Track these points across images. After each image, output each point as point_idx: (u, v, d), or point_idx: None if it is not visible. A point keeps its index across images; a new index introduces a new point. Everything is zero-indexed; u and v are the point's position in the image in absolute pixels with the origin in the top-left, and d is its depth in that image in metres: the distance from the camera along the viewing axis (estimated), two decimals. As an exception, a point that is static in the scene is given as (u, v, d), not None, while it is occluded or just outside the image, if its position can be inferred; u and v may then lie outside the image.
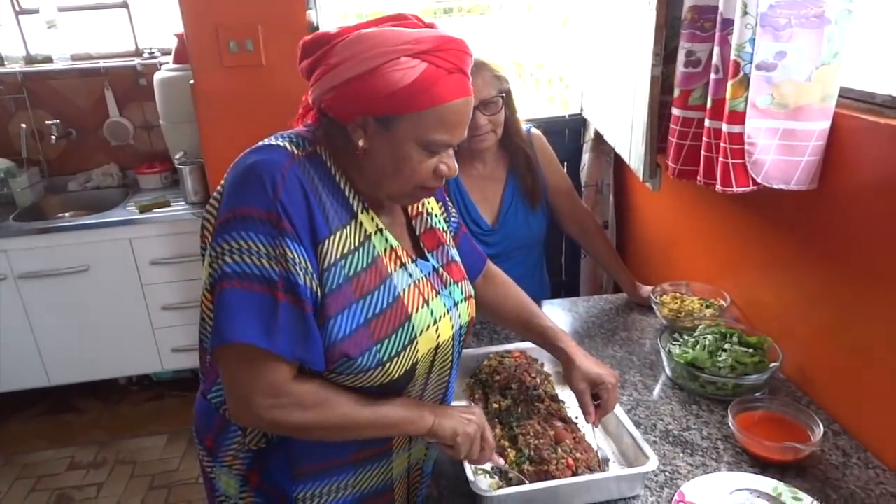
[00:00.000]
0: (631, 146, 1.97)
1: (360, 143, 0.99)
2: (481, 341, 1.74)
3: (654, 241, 2.44)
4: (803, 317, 1.50)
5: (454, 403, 1.39)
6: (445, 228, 1.26)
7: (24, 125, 3.22)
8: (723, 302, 1.77)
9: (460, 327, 1.18)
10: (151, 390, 3.45)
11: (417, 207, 1.21)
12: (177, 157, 3.05)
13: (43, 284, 2.90)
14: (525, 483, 1.16)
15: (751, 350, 1.51)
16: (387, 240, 1.07)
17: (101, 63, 3.23)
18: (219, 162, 2.65)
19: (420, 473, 1.30)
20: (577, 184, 2.66)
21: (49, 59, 3.26)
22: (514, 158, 1.91)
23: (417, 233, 1.19)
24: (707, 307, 1.77)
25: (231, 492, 1.17)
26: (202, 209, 2.86)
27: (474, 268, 1.37)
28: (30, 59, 3.29)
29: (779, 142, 1.33)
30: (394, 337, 1.03)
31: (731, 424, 1.31)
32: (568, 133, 2.87)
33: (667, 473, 1.26)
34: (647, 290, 1.93)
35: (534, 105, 3.30)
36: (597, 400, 1.27)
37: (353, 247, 1.02)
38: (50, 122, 3.24)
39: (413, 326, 1.06)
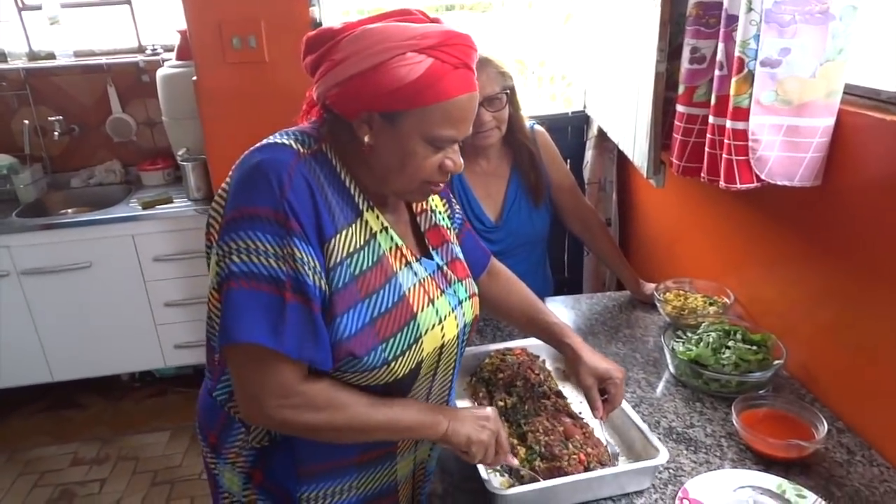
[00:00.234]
0: (635, 143, 1.96)
1: (366, 139, 0.98)
2: (484, 338, 1.74)
3: (657, 238, 2.44)
4: (807, 314, 1.50)
5: (458, 402, 1.39)
6: (449, 226, 1.26)
7: (26, 121, 3.22)
8: (726, 299, 1.76)
9: (465, 325, 1.18)
10: (154, 386, 3.45)
11: (422, 205, 1.20)
12: (179, 153, 3.05)
13: (46, 281, 2.90)
14: (539, 480, 1.16)
15: (754, 347, 1.51)
16: (392, 238, 1.07)
17: (104, 59, 3.22)
18: (221, 158, 2.65)
19: (424, 472, 1.30)
20: (580, 181, 2.66)
21: (52, 56, 3.26)
22: (518, 155, 1.91)
23: (422, 230, 1.18)
24: (710, 304, 1.77)
25: (234, 489, 1.17)
26: (205, 206, 2.89)
27: (478, 264, 1.37)
28: (32, 56, 3.29)
29: (783, 138, 1.32)
30: (399, 336, 1.03)
31: (734, 422, 1.31)
32: (571, 130, 2.87)
33: (671, 470, 1.26)
34: (650, 287, 1.92)
35: (536, 102, 3.30)
36: (604, 395, 1.27)
37: (358, 245, 1.02)
38: (53, 118, 3.24)
39: (418, 325, 1.06)
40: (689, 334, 1.61)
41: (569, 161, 2.67)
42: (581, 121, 2.85)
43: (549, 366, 1.52)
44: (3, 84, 3.25)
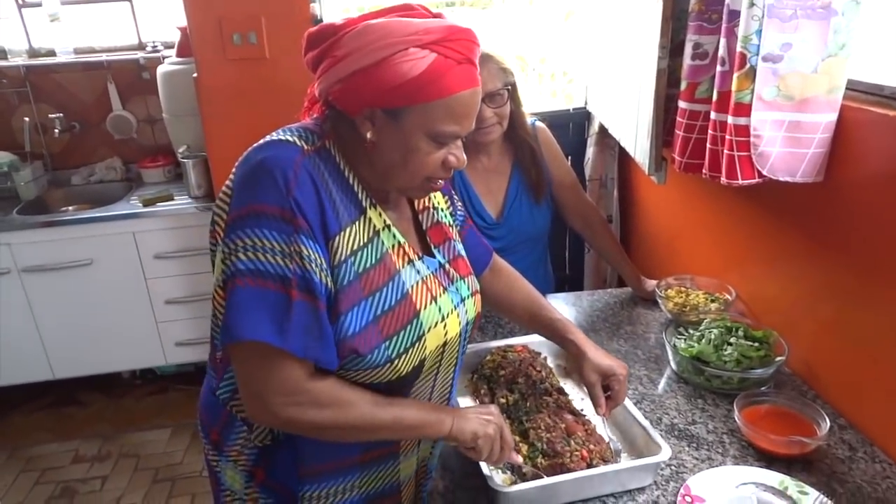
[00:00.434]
0: (636, 139, 1.96)
1: (369, 135, 0.98)
2: (486, 335, 1.74)
3: (658, 234, 2.44)
4: (809, 310, 1.50)
5: (460, 400, 1.39)
6: (451, 223, 1.25)
7: (27, 119, 3.22)
8: (728, 296, 1.76)
9: (467, 323, 1.18)
10: (155, 384, 3.45)
11: (424, 202, 1.20)
12: (180, 150, 3.05)
13: (47, 278, 2.90)
14: (541, 477, 1.16)
15: (756, 344, 1.51)
16: (394, 236, 1.07)
17: (104, 56, 3.22)
18: (222, 156, 2.65)
19: (426, 470, 1.30)
20: (581, 177, 2.66)
21: (52, 53, 3.26)
22: (519, 152, 1.91)
23: (424, 227, 1.18)
24: (712, 301, 1.77)
25: (236, 487, 1.17)
26: (206, 203, 2.89)
27: (481, 261, 1.37)
28: (33, 53, 3.28)
29: (785, 134, 1.32)
30: (402, 334, 1.03)
31: (736, 418, 1.31)
32: (572, 127, 2.86)
33: (672, 467, 1.26)
34: (651, 284, 1.92)
35: (537, 99, 3.29)
36: (607, 392, 1.27)
37: (362, 243, 1.02)
38: (53, 115, 3.24)
39: (421, 323, 1.05)
40: (691, 331, 1.61)
41: (570, 158, 2.67)
42: (582, 117, 2.84)
43: (549, 363, 1.52)
44: (3, 81, 3.24)
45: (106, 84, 3.29)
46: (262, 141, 1.01)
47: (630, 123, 2.01)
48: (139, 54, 3.24)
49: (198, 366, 3.35)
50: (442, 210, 1.24)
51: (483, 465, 1.16)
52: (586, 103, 2.81)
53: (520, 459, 1.18)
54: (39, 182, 3.25)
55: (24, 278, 2.88)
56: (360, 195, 1.04)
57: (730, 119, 1.37)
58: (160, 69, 3.05)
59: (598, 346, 1.30)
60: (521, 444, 1.24)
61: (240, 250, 0.93)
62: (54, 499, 2.68)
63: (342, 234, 0.99)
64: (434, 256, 1.16)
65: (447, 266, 1.17)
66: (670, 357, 1.58)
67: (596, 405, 1.26)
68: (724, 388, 1.47)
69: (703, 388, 1.50)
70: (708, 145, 1.49)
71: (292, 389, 0.95)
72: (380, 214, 1.06)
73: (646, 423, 1.27)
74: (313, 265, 0.94)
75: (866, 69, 1.33)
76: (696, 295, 1.80)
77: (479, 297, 1.23)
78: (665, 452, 1.18)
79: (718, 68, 1.42)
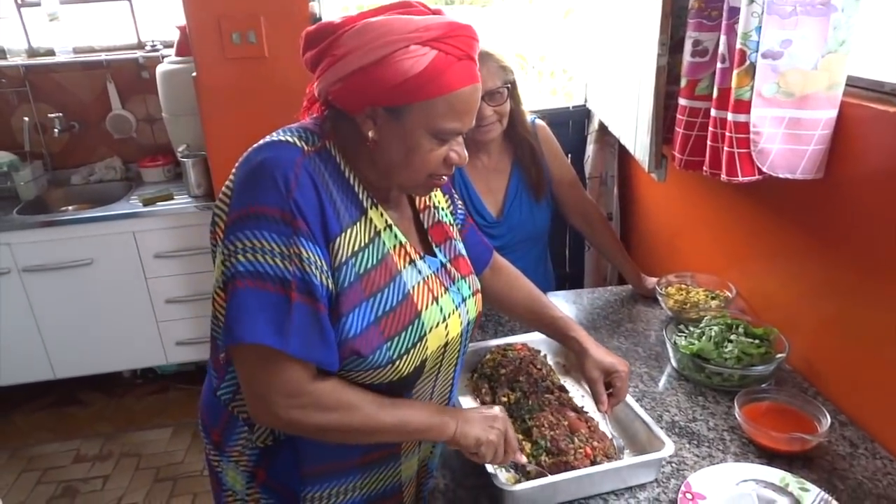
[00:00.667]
0: (636, 137, 1.96)
1: (370, 134, 0.97)
2: (486, 333, 1.74)
3: (658, 232, 2.44)
4: (810, 307, 1.50)
5: (461, 399, 1.39)
6: (452, 222, 1.25)
7: (26, 118, 3.22)
8: (728, 293, 1.76)
9: (468, 323, 1.18)
10: (156, 383, 3.45)
11: (425, 201, 1.20)
12: (180, 150, 3.05)
13: (47, 278, 2.90)
14: (546, 475, 1.16)
15: (757, 341, 1.51)
16: (396, 236, 1.07)
17: (104, 56, 3.22)
18: (222, 155, 2.65)
19: (427, 470, 1.30)
20: (581, 175, 2.66)
21: (51, 52, 3.25)
22: (519, 150, 1.91)
23: (425, 226, 1.18)
24: (712, 298, 1.77)
25: (238, 487, 1.16)
26: (205, 202, 2.89)
27: (481, 259, 1.37)
28: (32, 52, 3.28)
29: (784, 131, 1.32)
30: (404, 334, 1.03)
31: (737, 415, 1.31)
32: (572, 124, 2.86)
33: (673, 464, 1.26)
34: (651, 281, 1.92)
35: (536, 97, 3.29)
36: (608, 389, 1.27)
37: (363, 244, 1.01)
38: (52, 115, 3.24)
39: (423, 324, 1.05)
40: (692, 328, 1.61)
41: (570, 155, 2.66)
42: (582, 115, 2.84)
43: (549, 360, 1.52)
44: (2, 81, 3.24)
45: (105, 83, 3.29)
46: (262, 141, 1.01)
47: (630, 121, 2.01)
48: (138, 53, 3.24)
49: (198, 365, 3.35)
50: (443, 209, 1.24)
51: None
52: (586, 101, 2.80)
53: (524, 459, 1.18)
54: (39, 182, 3.25)
55: (25, 278, 2.88)
56: (360, 195, 1.03)
57: (730, 116, 1.37)
58: (159, 68, 3.05)
59: (600, 344, 1.30)
60: (524, 443, 1.24)
61: (239, 252, 0.93)
62: (56, 498, 2.68)
63: (343, 235, 0.99)
64: (435, 256, 1.16)
65: (448, 265, 1.17)
66: (671, 354, 1.58)
67: (598, 402, 1.26)
68: (725, 386, 1.46)
69: (703, 386, 1.50)
70: (708, 142, 1.49)
71: (295, 391, 0.95)
72: (381, 214, 1.05)
73: (648, 418, 1.27)
74: (313, 267, 0.94)
75: (866, 65, 1.33)
76: (697, 292, 1.80)
77: (479, 296, 1.23)
78: (669, 447, 1.19)
79: (718, 65, 1.42)
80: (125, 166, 3.40)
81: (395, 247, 1.06)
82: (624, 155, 2.63)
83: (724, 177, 1.41)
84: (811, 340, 1.49)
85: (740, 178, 1.37)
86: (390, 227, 1.06)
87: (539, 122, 1.98)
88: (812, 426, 1.27)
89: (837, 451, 1.27)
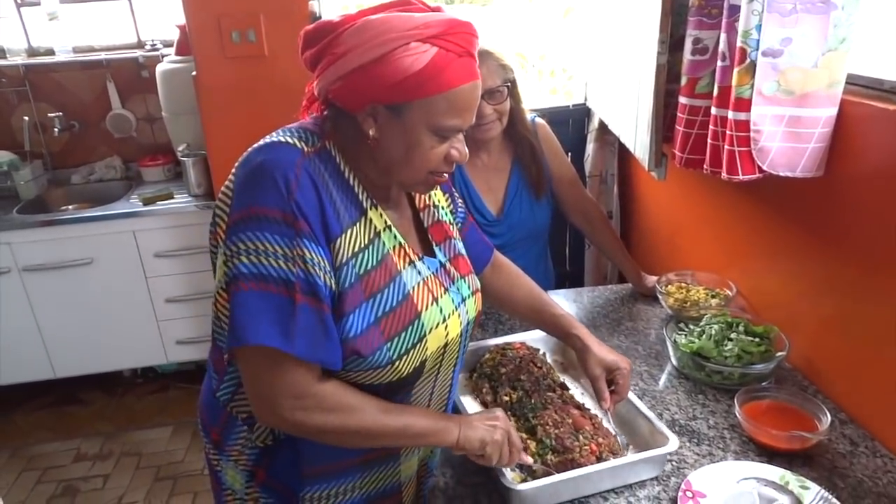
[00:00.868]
0: (636, 135, 1.96)
1: (371, 132, 0.97)
2: (486, 332, 1.74)
3: (658, 230, 2.44)
4: (810, 305, 1.49)
5: (461, 399, 1.39)
6: (451, 221, 1.25)
7: (26, 118, 3.22)
8: (728, 291, 1.76)
9: (468, 323, 1.18)
10: (156, 382, 3.46)
11: (425, 200, 1.20)
12: (180, 149, 3.05)
13: (47, 277, 2.90)
14: (553, 473, 1.15)
15: (757, 339, 1.51)
16: (395, 237, 1.06)
17: (104, 55, 3.22)
18: (222, 154, 2.65)
19: (426, 469, 1.30)
20: (581, 174, 2.65)
21: (51, 52, 3.25)
22: (519, 148, 1.90)
23: (425, 225, 1.18)
24: (713, 297, 1.76)
25: (237, 486, 1.16)
26: (206, 201, 2.89)
27: (482, 258, 1.37)
28: (32, 52, 3.28)
29: (785, 129, 1.32)
30: (403, 335, 1.03)
31: (737, 414, 1.31)
32: (572, 123, 2.86)
33: (674, 463, 1.26)
34: (652, 279, 1.92)
35: (536, 96, 3.29)
36: (610, 386, 1.27)
37: (363, 244, 1.01)
38: (52, 114, 3.24)
39: (422, 324, 1.05)
40: (692, 327, 1.61)
41: (570, 154, 2.66)
42: (582, 113, 2.84)
43: (547, 359, 1.52)
44: (2, 80, 3.24)
45: (105, 83, 3.29)
46: (261, 142, 1.01)
47: (630, 119, 2.01)
48: (138, 53, 3.24)
49: (199, 364, 3.35)
50: (442, 208, 1.24)
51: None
52: (586, 99, 2.80)
53: (530, 460, 1.18)
54: (39, 181, 3.25)
55: (25, 278, 2.88)
56: (360, 196, 1.03)
57: (730, 114, 1.37)
58: (159, 67, 3.04)
59: (602, 342, 1.30)
60: (528, 441, 1.24)
61: (242, 254, 0.93)
62: (56, 497, 2.69)
63: (344, 235, 0.99)
64: (435, 255, 1.15)
65: (448, 265, 1.16)
66: (671, 353, 1.58)
67: (600, 399, 1.26)
68: (725, 384, 1.46)
69: (703, 384, 1.50)
70: (708, 140, 1.49)
71: (300, 393, 0.95)
72: (380, 215, 1.05)
73: (651, 415, 1.27)
74: (316, 268, 0.94)
75: (866, 63, 1.32)
76: (697, 291, 1.80)
77: (479, 296, 1.23)
78: (674, 442, 1.19)
79: (719, 63, 1.41)
80: (125, 165, 3.40)
81: (394, 247, 1.06)
82: (624, 153, 2.63)
83: (724, 175, 1.41)
84: (811, 339, 1.49)
85: (741, 177, 1.37)
86: (390, 227, 1.06)
87: (539, 120, 1.98)
88: (812, 424, 1.27)
89: (837, 450, 1.27)
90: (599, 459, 1.18)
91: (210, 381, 1.17)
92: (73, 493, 2.70)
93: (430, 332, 1.06)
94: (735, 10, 1.35)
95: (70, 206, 3.24)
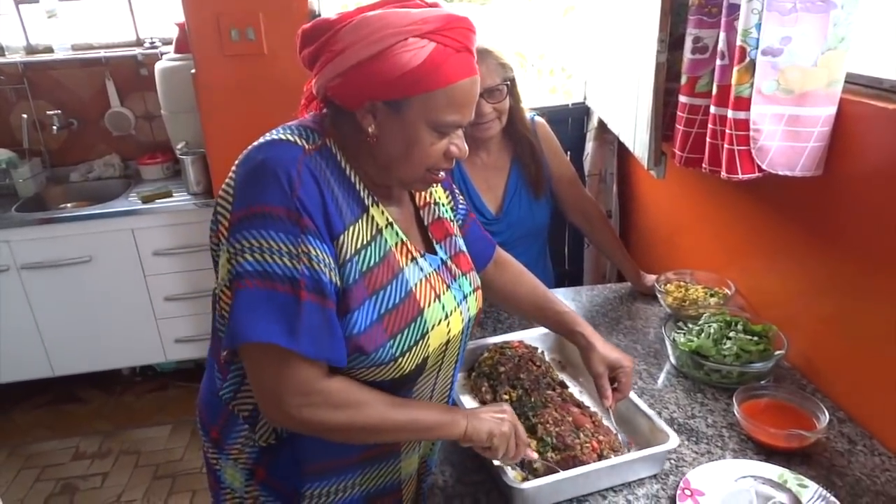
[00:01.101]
0: (635, 134, 1.96)
1: (370, 129, 0.97)
2: (485, 330, 1.74)
3: (657, 229, 2.44)
4: (808, 304, 1.50)
5: (461, 398, 1.39)
6: (452, 218, 1.25)
7: (25, 116, 3.21)
8: (727, 290, 1.76)
9: (469, 320, 1.18)
10: (155, 381, 3.46)
11: (425, 197, 1.20)
12: (178, 147, 3.04)
13: (46, 275, 2.90)
14: (556, 471, 1.15)
15: (755, 338, 1.51)
16: (397, 234, 1.06)
17: (102, 53, 3.22)
18: (221, 152, 2.65)
19: (426, 466, 1.30)
20: (580, 173, 2.65)
21: (50, 50, 3.25)
22: (518, 147, 1.90)
23: (426, 223, 1.18)
24: (711, 295, 1.76)
25: (236, 485, 1.16)
26: (205, 199, 2.89)
27: (484, 254, 1.37)
28: (30, 50, 3.28)
29: (784, 128, 1.32)
30: (406, 332, 1.03)
31: (736, 412, 1.31)
32: (571, 122, 2.86)
33: (672, 461, 1.26)
34: (651, 278, 1.92)
35: (536, 95, 3.29)
36: (613, 384, 1.27)
37: (365, 241, 1.01)
38: (51, 112, 3.23)
39: (425, 321, 1.05)
40: (690, 325, 1.61)
41: (569, 153, 2.66)
42: (581, 112, 2.84)
43: (546, 357, 1.52)
44: (1, 78, 3.24)
45: (104, 81, 3.28)
46: (261, 140, 1.00)
47: (629, 118, 2.01)
48: (137, 51, 3.23)
49: (198, 362, 3.35)
50: (443, 205, 1.23)
51: (494, 462, 1.16)
52: (585, 98, 2.80)
53: (535, 455, 1.18)
54: (38, 179, 3.24)
55: (24, 275, 2.88)
56: (361, 193, 1.03)
57: (729, 113, 1.37)
58: (158, 65, 3.04)
59: (605, 340, 1.30)
60: (529, 440, 1.24)
61: (246, 251, 0.92)
62: (55, 496, 2.69)
63: (346, 232, 0.98)
64: (436, 253, 1.15)
65: (449, 262, 1.16)
66: (670, 351, 1.58)
67: (603, 397, 1.27)
68: (724, 383, 1.47)
69: (702, 383, 1.50)
70: (708, 139, 1.49)
71: (306, 391, 0.95)
72: (382, 212, 1.05)
73: (651, 412, 1.27)
74: (322, 265, 0.93)
75: (865, 62, 1.33)
76: (696, 289, 1.80)
77: (480, 293, 1.23)
78: (674, 440, 1.19)
79: (718, 62, 1.41)
80: (124, 163, 3.40)
81: (396, 244, 1.06)
82: (623, 152, 2.63)
83: (723, 174, 1.41)
84: (810, 337, 1.49)
85: (740, 176, 1.37)
86: (391, 224, 1.06)
87: (538, 119, 1.97)
88: (810, 423, 1.28)
89: (836, 448, 1.27)
90: (601, 457, 1.18)
91: (210, 379, 1.17)
92: (71, 492, 2.70)
93: (432, 329, 1.06)
94: (735, 8, 1.35)
95: (69, 204, 3.23)
